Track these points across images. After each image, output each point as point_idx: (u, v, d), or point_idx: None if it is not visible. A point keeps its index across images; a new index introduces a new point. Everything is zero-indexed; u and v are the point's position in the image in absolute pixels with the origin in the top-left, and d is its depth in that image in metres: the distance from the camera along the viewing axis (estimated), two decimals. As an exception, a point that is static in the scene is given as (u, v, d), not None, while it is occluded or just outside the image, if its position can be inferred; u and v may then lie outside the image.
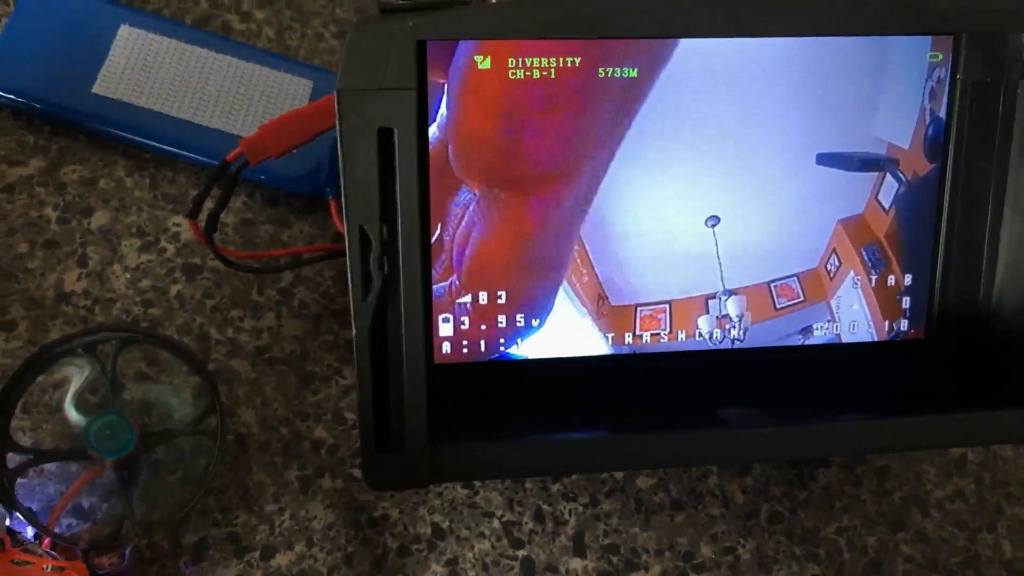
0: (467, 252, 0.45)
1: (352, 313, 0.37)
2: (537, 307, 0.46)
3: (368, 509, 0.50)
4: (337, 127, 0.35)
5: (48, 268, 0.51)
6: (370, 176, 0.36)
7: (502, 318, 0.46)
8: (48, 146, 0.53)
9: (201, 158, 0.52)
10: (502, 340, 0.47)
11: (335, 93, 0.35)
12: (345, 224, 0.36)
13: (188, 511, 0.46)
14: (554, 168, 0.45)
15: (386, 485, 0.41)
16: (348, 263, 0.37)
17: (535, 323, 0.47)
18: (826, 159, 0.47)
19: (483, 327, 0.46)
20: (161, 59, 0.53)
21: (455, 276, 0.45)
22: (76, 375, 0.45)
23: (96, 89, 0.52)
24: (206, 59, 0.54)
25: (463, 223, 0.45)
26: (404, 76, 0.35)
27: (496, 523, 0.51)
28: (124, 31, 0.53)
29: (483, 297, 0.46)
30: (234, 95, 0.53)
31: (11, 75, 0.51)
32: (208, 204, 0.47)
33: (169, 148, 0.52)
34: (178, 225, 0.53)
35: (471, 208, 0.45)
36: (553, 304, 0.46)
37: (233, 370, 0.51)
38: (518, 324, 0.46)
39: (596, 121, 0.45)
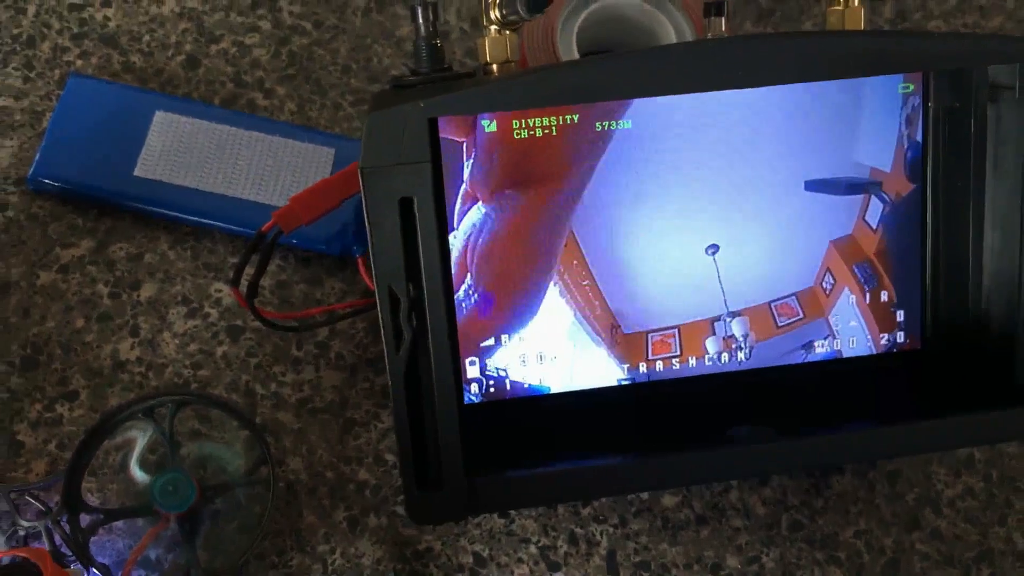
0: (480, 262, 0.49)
1: (387, 365, 0.41)
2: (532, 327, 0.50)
3: (412, 543, 0.54)
4: (363, 200, 0.39)
5: (104, 340, 0.55)
6: (394, 241, 0.40)
7: (521, 355, 0.50)
8: (96, 227, 0.57)
9: (237, 228, 0.57)
10: (524, 378, 0.50)
11: (359, 171, 0.39)
12: (375, 285, 0.40)
13: (247, 556, 0.50)
14: (560, 208, 0.49)
15: (429, 519, 0.45)
16: (380, 320, 0.41)
17: (551, 357, 0.50)
18: (814, 185, 0.50)
19: (506, 367, 0.50)
20: (194, 139, 0.57)
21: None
22: (140, 437, 0.50)
23: (137, 172, 0.56)
24: (235, 136, 0.58)
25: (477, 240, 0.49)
26: (419, 151, 0.39)
27: (533, 548, 0.55)
28: (159, 117, 0.58)
29: (504, 339, 0.50)
30: (263, 167, 0.58)
31: (59, 165, 0.56)
32: (246, 270, 0.51)
33: (207, 221, 0.57)
34: (219, 291, 0.57)
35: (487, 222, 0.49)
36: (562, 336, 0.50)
37: (279, 422, 0.55)
38: (535, 360, 0.50)
39: (597, 170, 0.49)
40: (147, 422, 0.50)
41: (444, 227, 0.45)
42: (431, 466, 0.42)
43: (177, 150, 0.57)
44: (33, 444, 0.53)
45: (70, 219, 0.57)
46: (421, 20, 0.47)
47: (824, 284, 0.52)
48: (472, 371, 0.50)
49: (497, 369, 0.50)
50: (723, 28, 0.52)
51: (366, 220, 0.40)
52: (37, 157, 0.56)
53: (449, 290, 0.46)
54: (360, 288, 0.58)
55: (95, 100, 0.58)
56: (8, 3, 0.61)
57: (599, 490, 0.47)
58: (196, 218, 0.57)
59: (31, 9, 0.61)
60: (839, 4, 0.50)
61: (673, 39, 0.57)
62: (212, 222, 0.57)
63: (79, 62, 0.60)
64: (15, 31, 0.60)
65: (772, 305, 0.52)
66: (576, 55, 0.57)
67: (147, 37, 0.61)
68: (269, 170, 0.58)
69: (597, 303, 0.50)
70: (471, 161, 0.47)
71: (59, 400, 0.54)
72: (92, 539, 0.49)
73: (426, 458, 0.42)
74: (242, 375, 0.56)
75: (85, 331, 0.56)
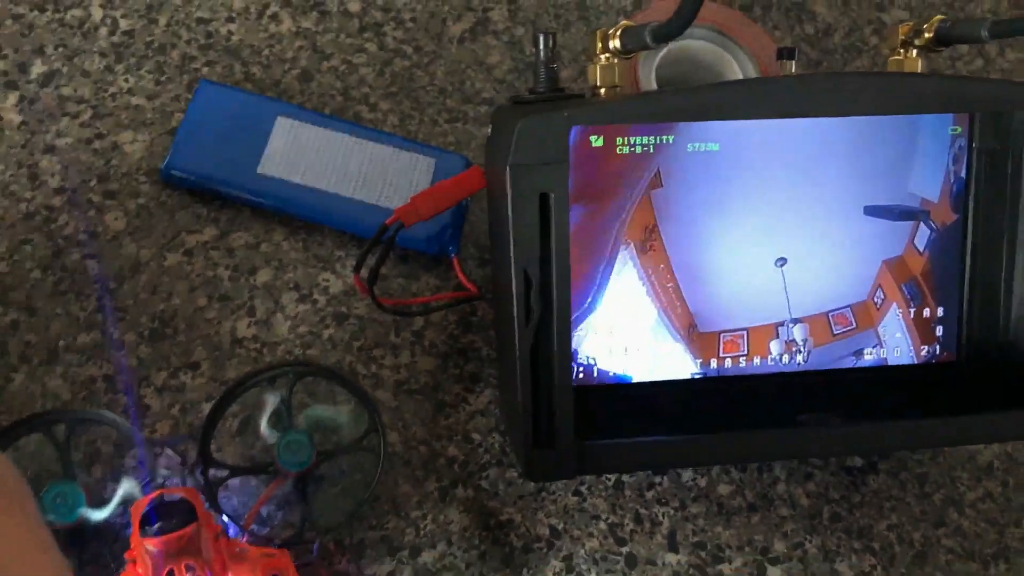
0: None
1: (516, 339, 0.47)
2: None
3: (495, 514, 0.60)
4: (508, 193, 0.46)
5: (223, 318, 0.61)
6: (533, 230, 0.47)
7: (609, 347, 0.56)
8: (219, 217, 0.63)
9: (345, 224, 0.63)
10: (610, 367, 0.57)
11: (507, 167, 0.46)
12: (513, 267, 0.47)
13: (352, 518, 0.56)
14: (651, 224, 0.56)
15: (543, 476, 0.51)
16: (514, 298, 0.47)
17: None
18: (872, 210, 0.57)
19: (595, 356, 0.57)
20: (311, 143, 0.64)
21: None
22: (270, 401, 0.55)
23: (260, 170, 0.63)
24: (347, 143, 0.65)
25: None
26: (559, 152, 0.46)
27: (603, 524, 0.60)
28: (280, 122, 0.64)
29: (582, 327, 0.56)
30: (371, 172, 0.64)
31: (189, 160, 0.62)
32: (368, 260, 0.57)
33: (318, 217, 0.63)
34: (327, 280, 0.63)
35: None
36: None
37: (378, 399, 0.61)
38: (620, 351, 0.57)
39: (686, 186, 0.56)
40: (270, 389, 0.56)
41: (567, 223, 0.52)
42: (545, 429, 0.48)
43: (295, 152, 0.64)
44: (158, 407, 0.59)
45: (195, 209, 0.63)
46: (542, 46, 0.54)
47: (875, 299, 0.59)
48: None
49: (588, 357, 0.57)
50: (792, 70, 0.59)
51: (510, 211, 0.46)
52: (170, 151, 0.62)
53: (568, 279, 0.53)
54: (452, 285, 0.64)
55: (223, 103, 0.64)
56: (142, 13, 0.67)
57: (691, 459, 0.54)
58: (309, 214, 0.63)
59: (163, 20, 0.67)
60: (899, 55, 0.57)
61: (740, 77, 0.65)
62: (323, 218, 0.63)
63: (205, 69, 0.67)
64: (148, 39, 0.67)
65: (829, 315, 0.58)
66: (655, 88, 0.65)
67: (266, 51, 0.68)
68: (376, 174, 0.64)
69: (679, 303, 0.57)
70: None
71: (183, 369, 0.60)
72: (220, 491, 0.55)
73: (540, 422, 0.48)
74: (346, 356, 0.62)
75: (207, 309, 0.61)
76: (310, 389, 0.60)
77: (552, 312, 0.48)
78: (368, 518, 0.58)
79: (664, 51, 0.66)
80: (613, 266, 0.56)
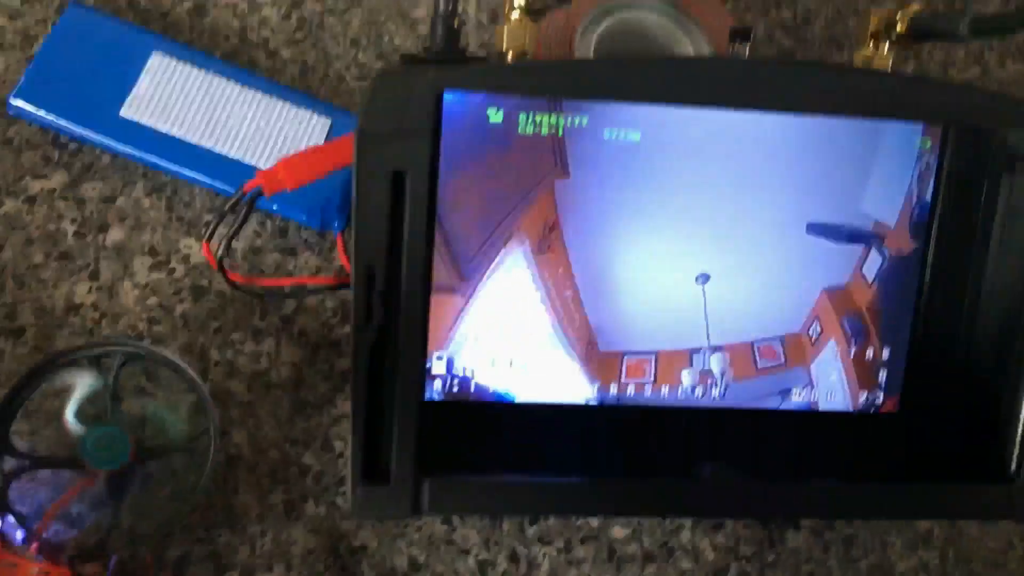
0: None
1: (352, 345, 0.39)
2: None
3: (349, 537, 0.52)
4: (353, 166, 0.37)
5: (60, 279, 0.53)
6: (381, 215, 0.38)
7: (492, 358, 0.48)
8: (72, 163, 0.55)
9: (218, 184, 0.54)
10: (490, 382, 0.48)
11: (355, 133, 0.37)
12: (353, 260, 0.38)
13: (174, 526, 0.48)
14: (552, 220, 0.47)
15: (371, 514, 0.43)
16: (353, 297, 0.38)
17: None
18: (816, 229, 0.49)
19: (474, 368, 0.48)
20: (188, 88, 0.55)
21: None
22: (80, 385, 0.47)
23: (123, 112, 0.54)
24: (232, 91, 0.56)
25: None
26: (421, 123, 0.37)
27: (471, 561, 0.52)
28: (156, 59, 0.55)
29: (470, 333, 0.48)
30: (255, 128, 0.55)
31: (43, 92, 0.54)
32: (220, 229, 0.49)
33: (188, 173, 0.54)
34: (189, 247, 0.55)
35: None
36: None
37: (229, 391, 0.53)
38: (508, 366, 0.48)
39: (598, 179, 0.47)
40: (92, 371, 0.47)
41: (433, 210, 0.43)
42: (382, 458, 0.40)
43: (168, 96, 0.55)
44: (-32, 376, 0.51)
45: (46, 150, 0.55)
46: (442, -4, 0.45)
47: (811, 332, 0.50)
48: (438, 367, 0.48)
49: (465, 369, 0.48)
50: (745, 56, 0.50)
51: (354, 188, 0.38)
52: (21, 80, 0.54)
53: (428, 277, 0.44)
54: (336, 266, 0.56)
55: (91, 31, 0.55)
56: (17, -79, 0.58)
57: (549, 508, 0.45)
58: (176, 167, 0.54)
59: (40, -70, 0.58)
60: (868, 50, 0.49)
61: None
62: (192, 175, 0.54)
63: (81, -9, 0.58)
64: (19, -50, 0.58)
65: (755, 345, 0.50)
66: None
67: (156, -23, 0.59)
68: (260, 131, 0.56)
69: (577, 316, 0.49)
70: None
71: (3, 335, 0.52)
72: (13, 484, 0.47)
73: (378, 449, 0.40)
74: (199, 337, 0.54)
75: (43, 268, 0.53)
76: (150, 373, 0.52)
77: (399, 315, 0.39)
78: (195, 529, 0.50)
79: (607, 23, 0.57)
80: (503, 264, 0.48)
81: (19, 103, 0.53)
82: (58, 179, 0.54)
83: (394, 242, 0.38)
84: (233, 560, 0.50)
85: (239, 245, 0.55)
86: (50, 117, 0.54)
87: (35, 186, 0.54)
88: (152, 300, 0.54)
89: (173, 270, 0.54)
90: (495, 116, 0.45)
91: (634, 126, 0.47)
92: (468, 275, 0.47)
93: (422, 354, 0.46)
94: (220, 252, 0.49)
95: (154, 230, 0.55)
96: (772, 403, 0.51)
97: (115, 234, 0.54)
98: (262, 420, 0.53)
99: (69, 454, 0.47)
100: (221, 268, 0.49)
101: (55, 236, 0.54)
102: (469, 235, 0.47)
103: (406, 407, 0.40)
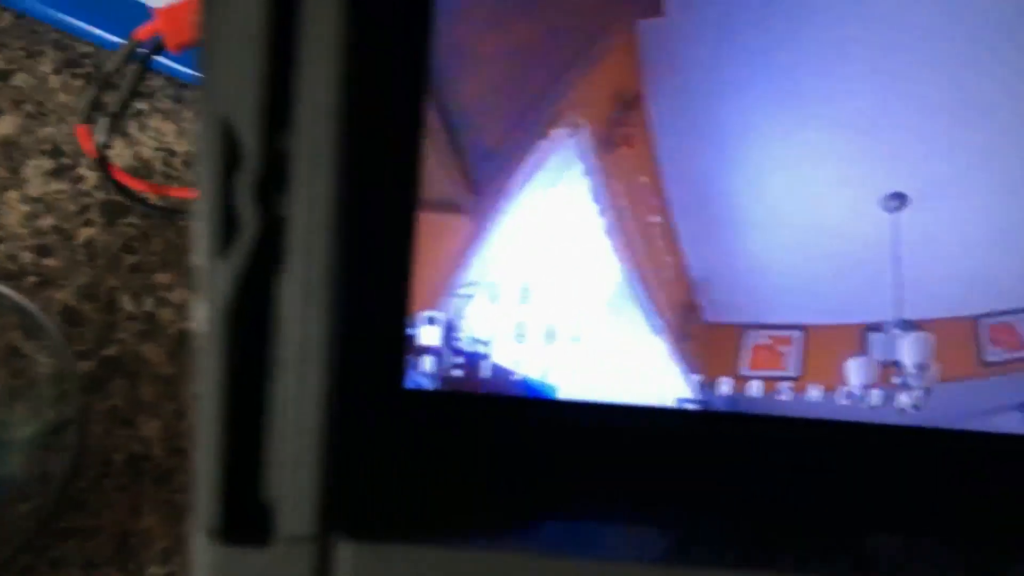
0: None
1: (201, 282, 0.20)
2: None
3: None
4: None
5: (-82, 185, 0.37)
6: (256, 39, 0.19)
7: (519, 324, 0.29)
8: (-48, 22, 0.38)
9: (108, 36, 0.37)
10: (517, 363, 0.29)
11: None
12: (202, 117, 0.20)
13: (15, 558, 0.31)
14: (632, 91, 0.27)
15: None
16: (198, 193, 0.20)
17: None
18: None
19: (490, 339, 0.29)
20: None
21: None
22: None
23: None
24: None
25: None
26: None
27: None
28: None
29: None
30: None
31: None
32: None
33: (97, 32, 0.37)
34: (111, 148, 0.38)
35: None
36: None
37: (142, 359, 0.35)
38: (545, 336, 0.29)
39: (713, 22, 0.27)
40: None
41: (424, 61, 0.25)
42: (257, 500, 0.21)
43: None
44: None
45: (-80, 4, 0.39)
46: None
47: (1084, 304, 0.29)
48: (429, 335, 0.29)
49: (474, 340, 0.29)
50: None
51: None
52: None
53: (413, 180, 0.26)
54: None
55: None
56: None
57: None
58: (85, 26, 0.37)
59: None
60: None
61: None
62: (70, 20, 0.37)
63: None
64: None
65: (981, 322, 0.29)
66: None
67: None
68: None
69: (669, 260, 0.29)
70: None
71: None
72: None
73: (251, 483, 0.21)
74: (107, 277, 0.36)
75: None
76: (29, 327, 0.35)
77: (291, 233, 0.20)
78: (68, 566, 0.33)
79: None
80: (542, 167, 0.28)
81: None
82: (-68, 44, 0.38)
83: (280, 82, 0.19)
84: (121, 618, 0.33)
85: (150, 141, 0.38)
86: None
87: (-99, 54, 0.38)
88: (46, 221, 0.37)
89: (81, 179, 0.37)
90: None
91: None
92: (483, 182, 0.28)
93: (399, 314, 0.28)
94: (103, 139, 0.31)
95: (61, 122, 0.38)
96: (1010, 424, 0.29)
97: (5, 124, 0.38)
98: (186, 405, 0.35)
99: None
100: (103, 163, 0.31)
101: (-80, 124, 0.37)
102: (488, 112, 0.28)
103: (307, 403, 0.21)
